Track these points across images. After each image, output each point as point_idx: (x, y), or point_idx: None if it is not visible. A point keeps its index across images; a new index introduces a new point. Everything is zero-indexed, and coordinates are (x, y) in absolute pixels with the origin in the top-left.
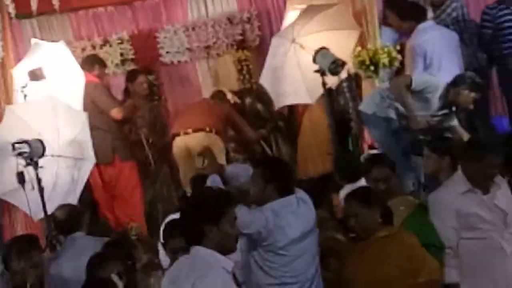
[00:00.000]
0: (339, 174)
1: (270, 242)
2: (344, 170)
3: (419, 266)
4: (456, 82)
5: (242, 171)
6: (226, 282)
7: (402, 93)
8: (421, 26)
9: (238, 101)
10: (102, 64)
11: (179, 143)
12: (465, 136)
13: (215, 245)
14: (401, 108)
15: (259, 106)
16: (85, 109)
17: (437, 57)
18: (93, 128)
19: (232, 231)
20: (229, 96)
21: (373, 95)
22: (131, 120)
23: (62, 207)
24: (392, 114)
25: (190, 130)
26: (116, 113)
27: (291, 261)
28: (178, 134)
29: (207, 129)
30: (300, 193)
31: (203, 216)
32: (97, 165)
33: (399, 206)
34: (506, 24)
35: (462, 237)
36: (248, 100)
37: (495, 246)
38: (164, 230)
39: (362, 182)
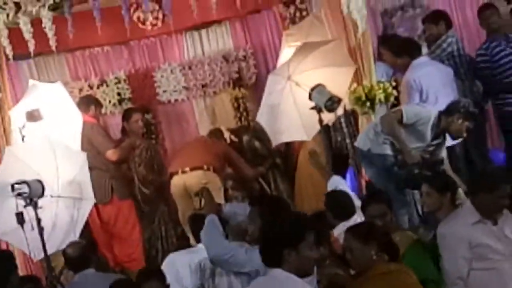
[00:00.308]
0: (331, 213)
1: None
2: (336, 209)
3: None
4: (449, 111)
5: (239, 210)
6: None
7: (394, 128)
8: (416, 61)
9: (235, 139)
10: (98, 104)
11: (177, 182)
12: (448, 169)
13: (293, 269)
14: (395, 143)
15: (257, 143)
16: (83, 149)
17: (433, 92)
18: (90, 168)
19: (311, 254)
20: (226, 134)
21: (367, 131)
22: (128, 159)
23: (72, 244)
24: (388, 150)
25: (187, 169)
26: (111, 154)
27: None
28: (176, 173)
29: (205, 167)
30: None
31: (283, 240)
32: (95, 204)
33: (396, 241)
34: (502, 61)
35: (473, 267)
36: (245, 138)
37: (506, 277)
38: None
39: (354, 218)
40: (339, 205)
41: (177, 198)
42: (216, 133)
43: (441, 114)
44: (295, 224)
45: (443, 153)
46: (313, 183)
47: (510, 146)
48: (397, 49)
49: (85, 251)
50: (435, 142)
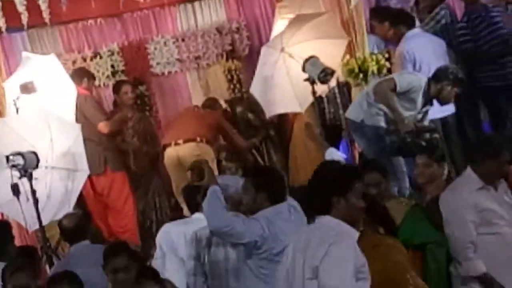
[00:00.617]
0: None
1: (265, 250)
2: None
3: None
4: (438, 77)
5: (231, 182)
6: (356, 250)
7: (388, 97)
8: (410, 33)
9: (229, 109)
10: (91, 77)
11: (170, 154)
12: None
13: (341, 216)
14: (389, 112)
15: (250, 115)
16: (76, 121)
17: (426, 63)
18: (84, 139)
19: (358, 203)
20: (222, 102)
21: (359, 101)
22: (121, 131)
23: (68, 215)
24: (381, 122)
25: (181, 141)
26: (103, 127)
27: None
28: (169, 145)
29: (198, 139)
30: (291, 201)
31: (332, 187)
32: (88, 176)
33: (395, 206)
34: (483, 32)
35: (479, 232)
36: (239, 109)
37: (511, 241)
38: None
39: None
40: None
41: (171, 169)
42: (210, 103)
43: (430, 80)
44: (345, 172)
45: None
46: (308, 154)
47: (494, 118)
48: (392, 19)
49: (81, 222)
50: (424, 109)
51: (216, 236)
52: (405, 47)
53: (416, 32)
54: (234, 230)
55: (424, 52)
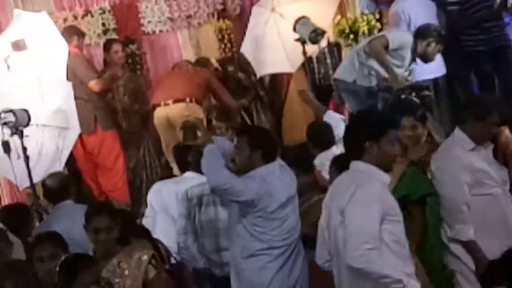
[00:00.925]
0: (311, 143)
1: (260, 208)
2: (316, 139)
3: None
4: (423, 34)
5: (218, 143)
6: (384, 192)
7: (380, 53)
8: None
9: (220, 68)
10: (81, 35)
11: (160, 114)
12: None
13: (373, 161)
14: (380, 71)
15: (241, 74)
16: (67, 79)
17: (420, 23)
18: (75, 98)
19: (391, 150)
20: (213, 60)
21: (350, 61)
22: (111, 89)
23: (52, 175)
24: (373, 81)
25: (170, 101)
26: (94, 85)
27: (279, 225)
28: (158, 105)
29: (187, 99)
30: (279, 160)
31: (365, 133)
32: (79, 135)
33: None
34: None
35: (472, 193)
36: (230, 69)
37: (502, 202)
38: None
39: (333, 150)
40: (318, 135)
41: (160, 129)
42: (202, 61)
43: (416, 38)
44: (378, 118)
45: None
46: (304, 111)
47: (482, 82)
48: None
49: (65, 182)
50: (410, 67)
51: (216, 193)
52: (400, 6)
53: None
54: (234, 188)
55: (418, 12)
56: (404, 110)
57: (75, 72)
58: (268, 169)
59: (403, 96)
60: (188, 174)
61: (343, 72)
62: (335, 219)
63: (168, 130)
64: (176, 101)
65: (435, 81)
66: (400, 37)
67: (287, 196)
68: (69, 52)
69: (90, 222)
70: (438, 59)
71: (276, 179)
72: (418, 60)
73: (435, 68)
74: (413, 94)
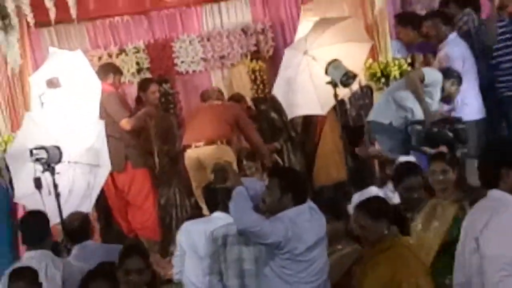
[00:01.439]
0: (350, 181)
1: (288, 250)
2: (354, 177)
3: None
4: (447, 74)
5: (249, 184)
6: None
7: (418, 85)
8: (453, 35)
9: (253, 107)
10: (117, 72)
11: (190, 155)
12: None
13: (508, 188)
14: (415, 108)
15: (273, 114)
16: (100, 117)
17: (469, 66)
18: (106, 136)
19: None
20: (247, 98)
21: (385, 103)
22: (144, 129)
23: (72, 215)
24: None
25: (201, 144)
26: (125, 123)
27: (306, 267)
28: (189, 146)
29: (218, 142)
30: (310, 202)
31: (501, 159)
32: (110, 172)
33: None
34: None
35: None
36: (263, 107)
37: None
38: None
39: (372, 190)
40: (356, 173)
41: (191, 170)
42: (236, 97)
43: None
44: None
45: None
46: (339, 151)
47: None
48: (415, 23)
49: (84, 223)
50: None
51: (244, 235)
52: (454, 48)
53: (455, 35)
54: (262, 230)
55: (467, 55)
56: (437, 142)
57: (107, 110)
58: (298, 211)
59: (435, 130)
60: (217, 214)
61: (379, 114)
62: (469, 245)
63: (198, 171)
64: (207, 143)
65: (475, 122)
66: (433, 74)
67: (315, 238)
68: (103, 90)
69: (123, 262)
70: (480, 101)
71: (305, 221)
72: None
73: (476, 110)
74: (447, 127)
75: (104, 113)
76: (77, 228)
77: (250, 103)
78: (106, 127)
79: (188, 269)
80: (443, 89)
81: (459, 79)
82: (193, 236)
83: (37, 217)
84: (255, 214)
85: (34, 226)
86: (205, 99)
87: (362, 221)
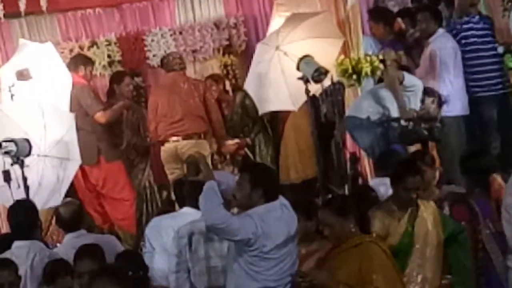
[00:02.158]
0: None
1: (256, 247)
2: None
3: (362, 277)
4: (429, 92)
5: (222, 178)
6: None
7: (396, 82)
8: (441, 30)
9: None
10: (88, 63)
11: (167, 148)
12: None
13: None
14: (392, 107)
15: (248, 101)
16: (71, 110)
17: (458, 61)
18: (78, 129)
19: None
20: (227, 82)
21: (364, 100)
22: (115, 122)
23: (66, 204)
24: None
25: (179, 138)
26: (100, 117)
27: (275, 265)
28: (167, 141)
29: (195, 137)
30: (282, 199)
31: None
32: (81, 166)
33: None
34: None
35: None
36: (240, 94)
37: None
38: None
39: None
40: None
41: (167, 163)
42: (215, 77)
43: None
44: None
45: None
46: (300, 150)
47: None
48: (388, 19)
49: (78, 211)
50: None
51: (211, 232)
52: (448, 44)
53: (443, 31)
54: (229, 227)
55: (447, 51)
56: (411, 140)
57: (80, 103)
58: (268, 208)
59: (410, 127)
60: (185, 209)
61: (356, 110)
62: (505, 216)
63: (175, 164)
64: (185, 137)
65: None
66: (413, 79)
67: (285, 236)
68: (74, 83)
69: (74, 265)
70: (466, 97)
71: (275, 219)
72: None
73: (463, 106)
74: (422, 125)
75: (77, 106)
76: (70, 216)
77: (228, 87)
78: (78, 120)
79: (157, 265)
80: (422, 102)
81: (439, 100)
82: (161, 232)
83: (25, 207)
84: (224, 210)
85: (23, 216)
86: (168, 68)
87: (330, 220)
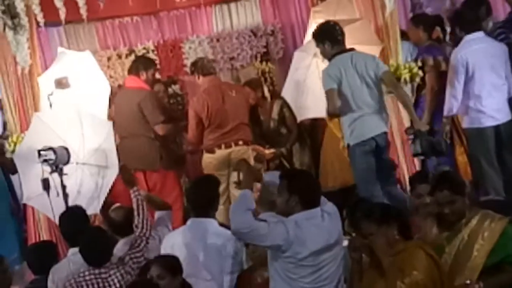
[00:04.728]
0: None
1: (290, 254)
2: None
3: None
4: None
5: (271, 178)
6: None
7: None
8: (468, 37)
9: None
10: (151, 66)
11: (220, 155)
12: None
13: None
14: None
15: (286, 110)
16: (133, 115)
17: (479, 69)
18: (140, 135)
19: None
20: (265, 89)
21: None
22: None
23: (117, 208)
24: None
25: (232, 144)
26: (159, 129)
27: (312, 272)
28: (219, 147)
29: (247, 143)
30: (327, 206)
31: None
32: (143, 171)
33: (484, 221)
34: None
35: None
36: (278, 102)
37: None
38: None
39: None
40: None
41: (217, 170)
42: (254, 82)
43: None
44: None
45: None
46: (339, 159)
47: None
48: (427, 24)
49: (129, 216)
50: None
51: (237, 236)
52: (460, 52)
53: (476, 37)
54: (254, 232)
55: (480, 58)
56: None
57: (143, 110)
58: (306, 215)
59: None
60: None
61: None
62: None
63: (221, 169)
64: (237, 144)
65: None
66: None
67: (323, 244)
68: (138, 88)
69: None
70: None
71: (313, 226)
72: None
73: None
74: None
75: (139, 112)
76: (122, 220)
77: (267, 94)
78: (141, 126)
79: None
80: None
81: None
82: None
83: (77, 214)
84: (249, 215)
85: (76, 223)
86: (204, 72)
87: (370, 229)
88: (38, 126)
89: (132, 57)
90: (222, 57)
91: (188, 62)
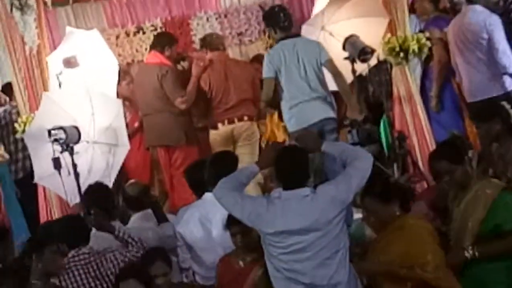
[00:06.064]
0: None
1: (259, 229)
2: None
3: (414, 260)
4: None
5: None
6: None
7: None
8: (475, 7)
9: None
10: (173, 42)
11: (223, 131)
12: None
13: None
14: None
15: None
16: (155, 91)
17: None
18: (164, 111)
19: None
20: None
21: None
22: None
23: (132, 184)
24: None
25: (235, 119)
26: (180, 103)
27: (283, 253)
28: (222, 122)
29: (251, 119)
30: (323, 188)
31: None
32: (166, 146)
33: (486, 189)
34: None
35: None
36: None
37: None
38: None
39: None
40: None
41: (219, 146)
42: (260, 58)
43: None
44: None
45: None
46: None
47: None
48: None
49: (145, 191)
50: None
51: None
52: (481, 17)
53: (480, 8)
54: (222, 200)
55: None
56: None
57: (163, 86)
58: (282, 195)
59: None
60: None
61: None
62: None
63: (226, 146)
64: (241, 119)
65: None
66: None
67: (297, 226)
68: (159, 64)
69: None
70: None
71: (284, 207)
72: None
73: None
74: None
75: (162, 89)
76: (137, 196)
77: None
78: (165, 102)
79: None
80: None
81: None
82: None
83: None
84: (229, 185)
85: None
86: (212, 47)
87: (373, 206)
88: (48, 105)
89: (140, 34)
90: (230, 32)
91: (196, 39)
